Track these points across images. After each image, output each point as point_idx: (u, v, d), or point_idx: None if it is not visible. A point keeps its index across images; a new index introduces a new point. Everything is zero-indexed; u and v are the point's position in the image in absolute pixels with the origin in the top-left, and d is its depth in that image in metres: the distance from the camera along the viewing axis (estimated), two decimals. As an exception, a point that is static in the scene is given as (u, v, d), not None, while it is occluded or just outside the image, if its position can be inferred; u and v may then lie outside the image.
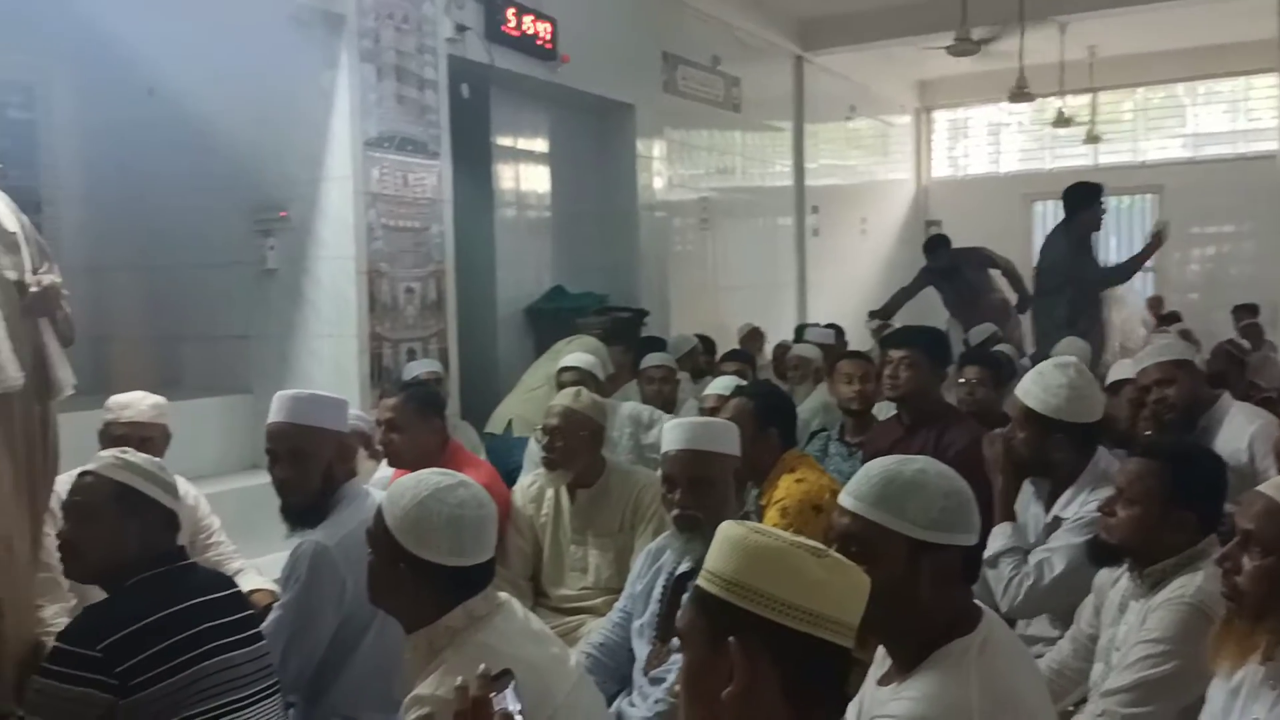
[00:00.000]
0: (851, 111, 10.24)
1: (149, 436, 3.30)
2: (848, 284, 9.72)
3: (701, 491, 2.49)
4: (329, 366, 4.70)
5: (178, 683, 2.03)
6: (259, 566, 3.50)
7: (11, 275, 2.81)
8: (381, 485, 3.20)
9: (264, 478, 2.73)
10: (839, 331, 6.62)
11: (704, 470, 2.51)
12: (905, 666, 1.55)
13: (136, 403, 3.33)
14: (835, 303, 8.99)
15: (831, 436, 4.02)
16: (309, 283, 4.75)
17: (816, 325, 6.79)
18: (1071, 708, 2.30)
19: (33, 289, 2.82)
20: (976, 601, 1.62)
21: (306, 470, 2.54)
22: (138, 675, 1.99)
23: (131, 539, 2.16)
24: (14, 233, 2.88)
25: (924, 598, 1.45)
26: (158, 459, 2.35)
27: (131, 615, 2.04)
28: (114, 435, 3.26)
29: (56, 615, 3.02)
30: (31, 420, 2.84)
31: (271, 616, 2.42)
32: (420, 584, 1.76)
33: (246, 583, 3.28)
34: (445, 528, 1.75)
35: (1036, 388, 2.68)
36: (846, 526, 1.58)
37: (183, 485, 3.46)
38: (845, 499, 1.60)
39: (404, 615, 1.81)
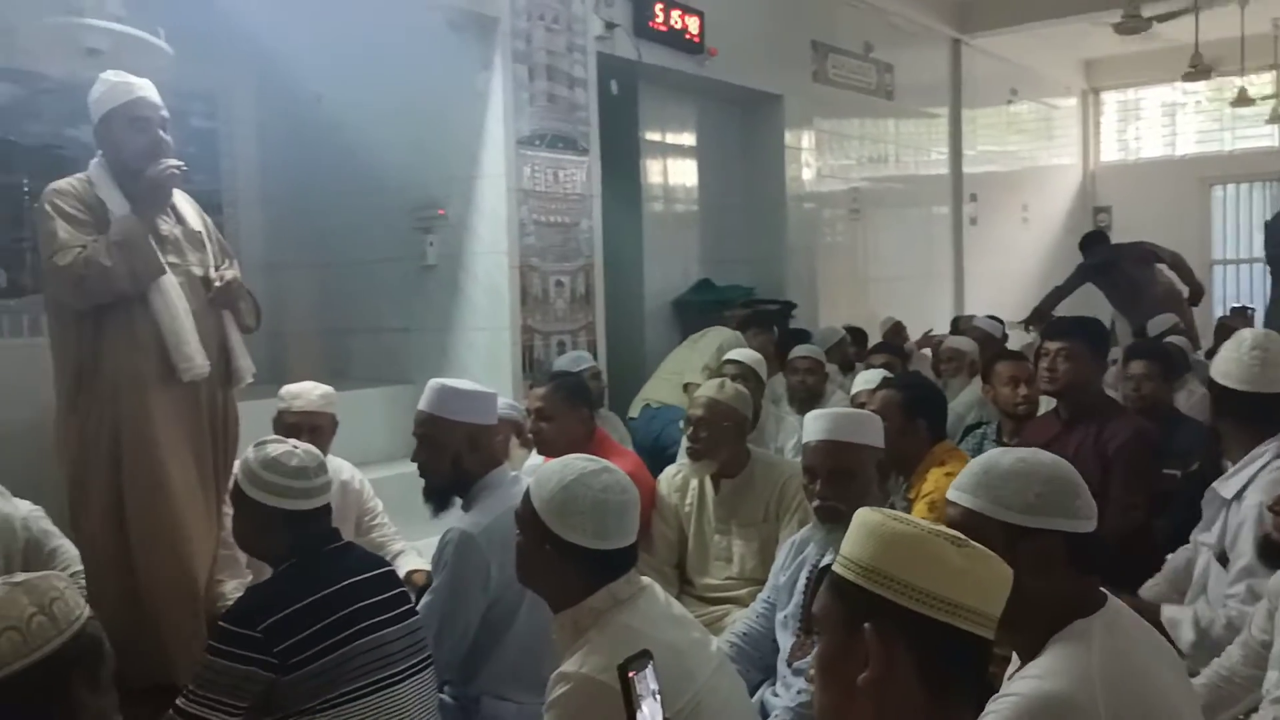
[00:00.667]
0: (1013, 95, 9.87)
1: (318, 425, 3.49)
2: (1007, 275, 9.39)
3: (842, 483, 2.47)
4: (483, 358, 4.86)
5: (333, 660, 2.11)
6: (419, 549, 3.66)
7: (198, 271, 3.05)
8: (532, 472, 3.29)
9: (424, 465, 2.83)
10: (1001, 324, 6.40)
11: (845, 461, 2.49)
12: (1027, 656, 1.54)
13: (307, 392, 3.51)
14: (994, 295, 8.70)
15: (988, 436, 3.89)
16: (465, 277, 4.93)
17: (975, 316, 6.61)
18: (1242, 716, 2.18)
19: (216, 284, 3.05)
20: (1103, 590, 1.59)
21: (436, 456, 2.65)
22: (296, 654, 2.07)
23: (277, 527, 2.26)
24: (199, 232, 3.12)
25: (1026, 584, 1.41)
26: (312, 449, 2.40)
27: (289, 597, 2.13)
28: (287, 423, 3.45)
29: (235, 590, 3.26)
30: (215, 406, 3.09)
31: (424, 601, 2.51)
32: (565, 565, 1.81)
33: (407, 563, 3.47)
34: (589, 511, 1.80)
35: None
36: (952, 517, 1.62)
37: (348, 470, 3.69)
38: (950, 491, 1.65)
39: (550, 595, 1.87)
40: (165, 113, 3.00)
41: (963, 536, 1.24)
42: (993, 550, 1.45)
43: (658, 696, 1.52)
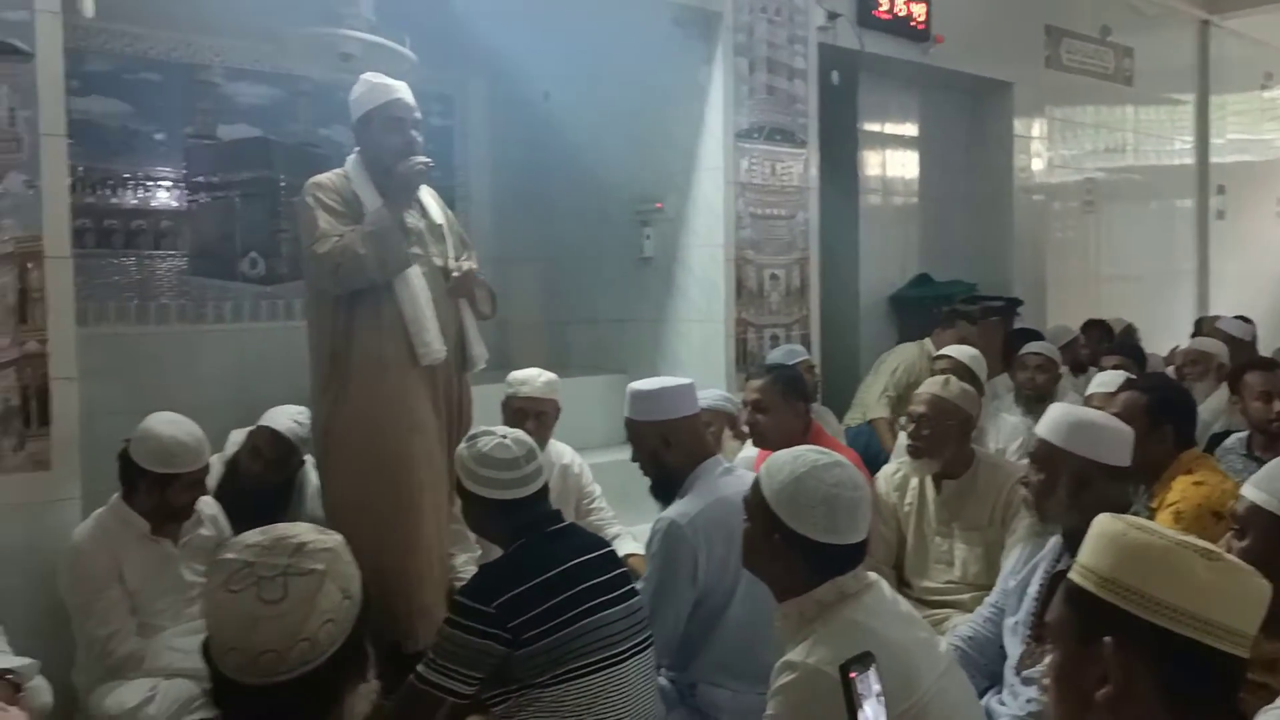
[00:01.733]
0: (1268, 80, 9.06)
1: (543, 410, 3.63)
2: (1259, 274, 8.64)
3: (1047, 486, 2.38)
4: (696, 350, 4.91)
5: (562, 638, 2.17)
6: (634, 534, 3.74)
7: (438, 262, 3.24)
8: (746, 465, 3.30)
9: (637, 453, 2.90)
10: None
11: (1055, 464, 2.38)
12: None
13: (533, 379, 3.66)
14: (1243, 296, 8.03)
15: (1238, 451, 3.59)
16: (681, 270, 4.99)
17: (1221, 317, 6.11)
18: None
19: (455, 274, 3.23)
20: None
21: (641, 456, 2.74)
22: (527, 631, 2.15)
23: (497, 515, 2.35)
24: (440, 224, 3.30)
25: None
26: (522, 436, 2.45)
27: (521, 576, 2.21)
28: (513, 408, 3.61)
29: (465, 564, 3.45)
30: (451, 389, 3.27)
31: (639, 586, 2.56)
32: (793, 556, 1.81)
33: (622, 548, 3.53)
34: (820, 505, 1.79)
35: None
36: (1238, 512, 1.71)
37: (568, 454, 3.82)
38: (1245, 487, 1.73)
39: (776, 584, 1.87)
40: (418, 114, 3.21)
41: (1214, 548, 1.16)
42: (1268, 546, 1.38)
43: (881, 699, 1.50)
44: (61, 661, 2.85)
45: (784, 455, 1.89)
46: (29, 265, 2.99)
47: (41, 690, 2.65)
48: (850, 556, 1.83)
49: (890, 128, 6.35)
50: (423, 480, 3.09)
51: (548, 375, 3.70)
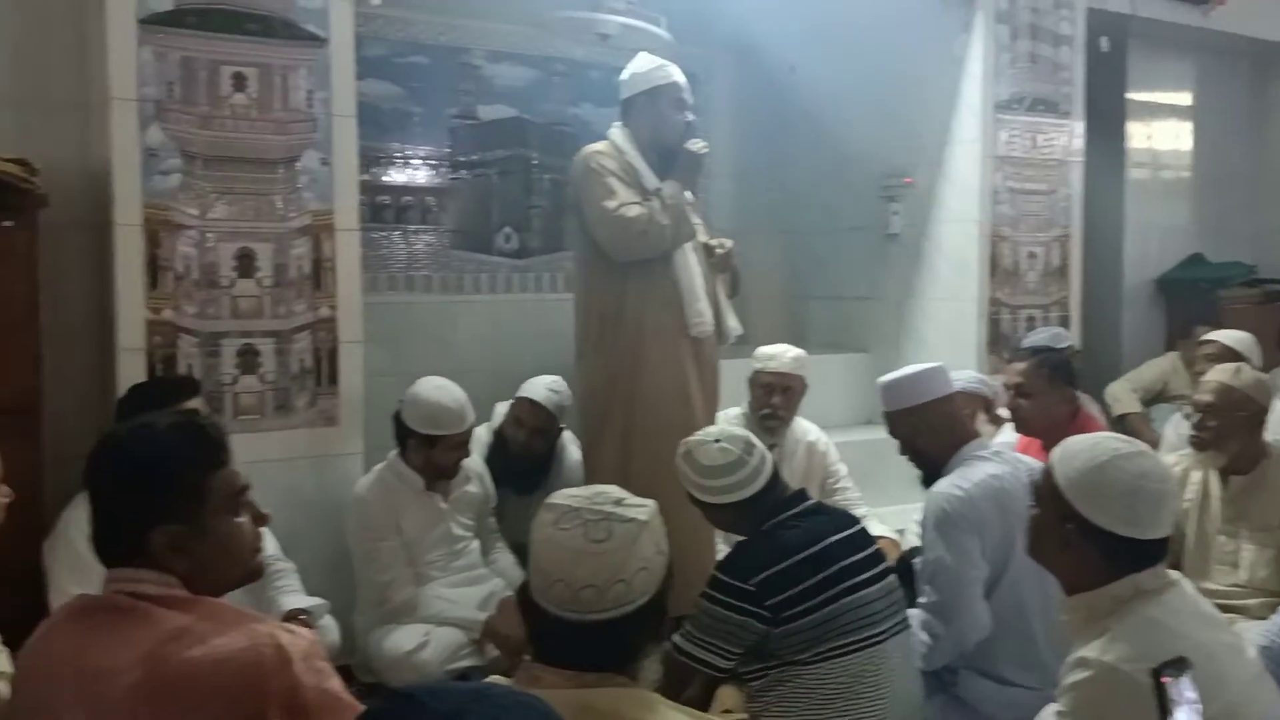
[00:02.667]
0: None
1: (790, 386, 3.62)
2: None
3: None
4: (944, 330, 4.74)
5: (821, 616, 2.15)
6: (879, 516, 3.67)
7: (701, 238, 3.31)
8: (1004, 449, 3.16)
9: (880, 433, 2.83)
10: None
11: None
12: None
13: (781, 354, 3.64)
14: None
15: None
16: (929, 247, 4.83)
17: None
18: None
19: (718, 249, 3.30)
20: None
21: (903, 448, 2.70)
22: (787, 609, 2.14)
23: (736, 516, 2.34)
24: (692, 201, 3.35)
25: None
26: (734, 431, 2.42)
27: (779, 554, 2.19)
28: (761, 383, 3.61)
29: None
30: (704, 360, 3.32)
31: (917, 564, 2.51)
32: (1087, 547, 1.71)
33: (870, 529, 3.50)
34: (1122, 496, 1.68)
35: None
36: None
37: (814, 432, 3.79)
38: None
39: (1065, 575, 1.78)
40: (691, 97, 3.34)
41: None
42: None
43: (1196, 707, 1.41)
44: (342, 604, 3.08)
45: (1081, 441, 1.78)
46: (322, 237, 3.25)
47: (330, 629, 2.90)
48: (1151, 553, 1.71)
49: (1162, 97, 5.88)
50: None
51: (796, 351, 3.68)
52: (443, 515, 3.18)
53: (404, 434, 3.12)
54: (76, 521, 2.51)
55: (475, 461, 3.36)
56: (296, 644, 1.35)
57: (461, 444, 3.15)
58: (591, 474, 3.24)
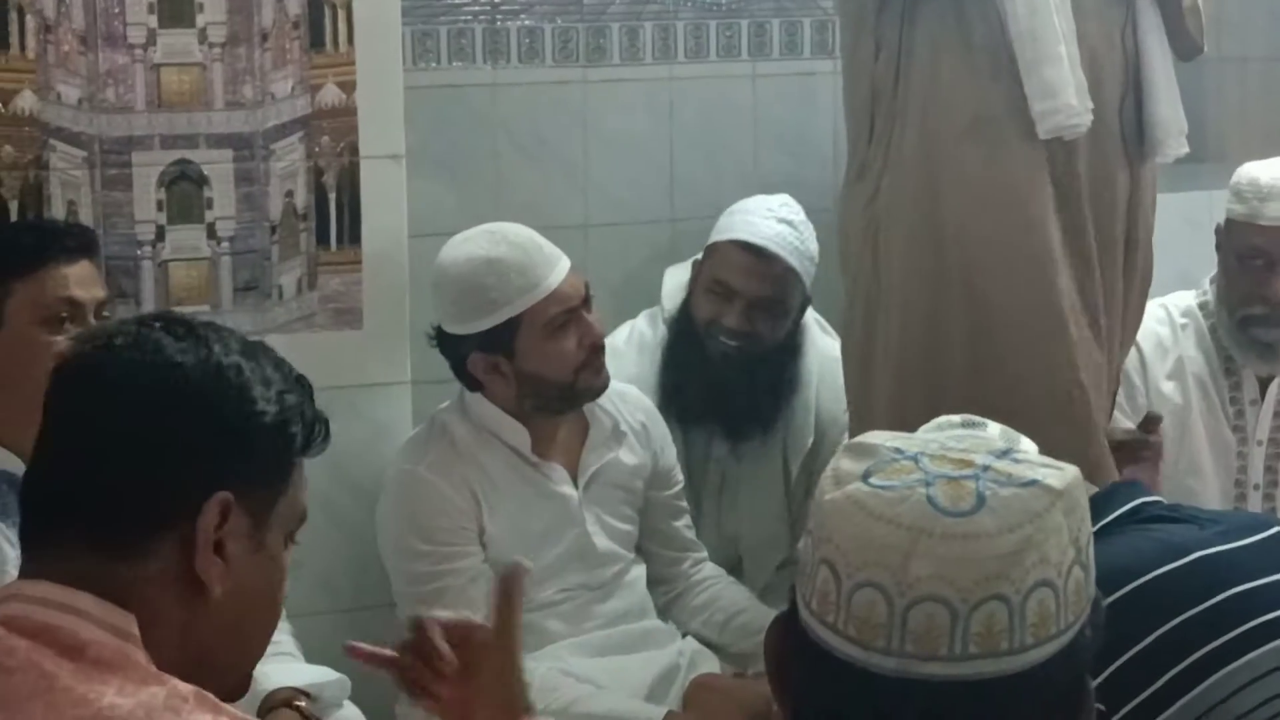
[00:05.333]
0: None
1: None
2: None
3: None
4: None
5: None
6: None
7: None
8: None
9: None
10: None
11: None
12: None
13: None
14: None
15: None
16: None
17: None
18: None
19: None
20: None
21: None
22: None
23: None
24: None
25: None
26: None
27: None
28: (1248, 242, 2.10)
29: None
30: (1114, 194, 1.86)
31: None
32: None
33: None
34: None
35: None
36: None
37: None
38: None
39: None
40: None
41: None
42: None
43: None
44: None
45: None
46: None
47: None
48: None
49: None
50: (1071, 373, 1.66)
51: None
52: (570, 509, 1.79)
53: (465, 350, 1.65)
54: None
55: (631, 394, 1.91)
56: None
57: (585, 301, 1.78)
58: (860, 404, 1.81)
